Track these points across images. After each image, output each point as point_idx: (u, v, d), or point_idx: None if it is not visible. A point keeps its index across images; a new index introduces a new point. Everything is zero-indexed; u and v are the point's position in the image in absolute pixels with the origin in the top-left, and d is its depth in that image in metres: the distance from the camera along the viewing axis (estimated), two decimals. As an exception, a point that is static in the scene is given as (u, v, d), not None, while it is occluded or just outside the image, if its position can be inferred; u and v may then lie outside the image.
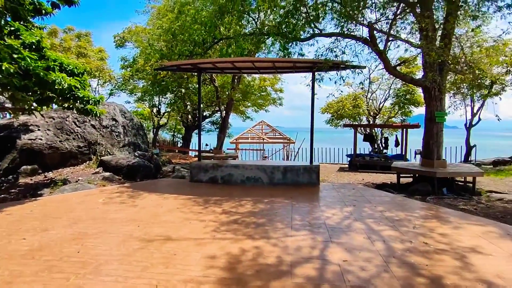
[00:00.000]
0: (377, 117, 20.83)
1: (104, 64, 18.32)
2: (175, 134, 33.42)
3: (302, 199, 5.88)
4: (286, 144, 27.41)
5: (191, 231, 4.11)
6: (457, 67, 8.92)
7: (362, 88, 7.06)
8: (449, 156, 16.97)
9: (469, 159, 17.23)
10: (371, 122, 20.50)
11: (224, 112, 15.16)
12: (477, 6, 6.32)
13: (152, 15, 13.81)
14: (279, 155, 25.32)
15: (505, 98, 16.41)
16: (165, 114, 27.53)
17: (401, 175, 9.41)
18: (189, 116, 24.13)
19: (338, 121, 21.30)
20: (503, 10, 5.65)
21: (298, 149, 22.78)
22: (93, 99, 7.19)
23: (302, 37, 8.66)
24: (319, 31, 8.38)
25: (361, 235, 3.97)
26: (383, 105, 20.97)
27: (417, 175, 9.00)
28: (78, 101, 6.94)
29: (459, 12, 7.00)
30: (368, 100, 20.63)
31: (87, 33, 21.38)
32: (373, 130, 20.58)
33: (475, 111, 17.25)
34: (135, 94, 22.01)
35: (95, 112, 7.06)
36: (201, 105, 20.16)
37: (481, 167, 15.86)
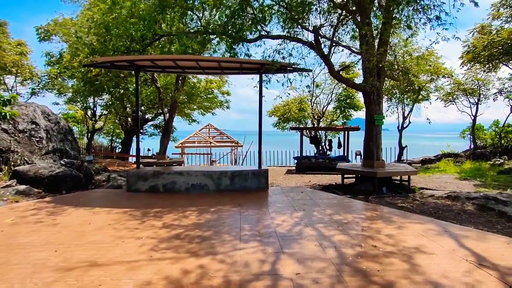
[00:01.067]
0: (321, 120, 21.78)
1: (25, 59, 15.91)
2: (113, 138, 30.83)
3: (251, 206, 5.59)
4: (234, 148, 27.15)
5: (124, 252, 3.50)
6: (393, 73, 9.58)
7: (309, 91, 6.97)
8: (383, 156, 18.40)
9: (402, 158, 18.90)
10: (316, 125, 21.35)
11: (168, 115, 14.27)
12: (409, 17, 6.76)
13: (84, 6, 12.38)
14: (227, 158, 24.91)
15: (430, 103, 18.43)
16: (102, 117, 25.18)
17: (345, 176, 9.76)
18: (129, 119, 22.39)
19: (285, 124, 21.74)
20: (433, 21, 6.10)
21: (246, 152, 22.67)
22: (1, 99, 6.02)
23: (249, 37, 8.47)
24: (266, 33, 8.26)
25: (313, 243, 3.79)
26: (326, 108, 22.00)
27: (359, 175, 9.40)
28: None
29: (394, 22, 7.44)
30: (312, 104, 21.44)
31: (1, 22, 18.48)
32: (318, 133, 21.47)
33: (405, 114, 19.04)
34: (64, 95, 19.66)
35: (2, 114, 5.90)
36: (143, 107, 18.83)
37: (412, 165, 17.53)
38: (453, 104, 18.54)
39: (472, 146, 17.53)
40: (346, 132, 15.62)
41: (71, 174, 7.31)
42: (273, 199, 6.23)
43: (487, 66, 13.03)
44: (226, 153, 25.26)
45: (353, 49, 9.67)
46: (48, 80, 17.44)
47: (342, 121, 21.79)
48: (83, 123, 27.49)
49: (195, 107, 21.40)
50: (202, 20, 8.24)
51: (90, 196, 6.55)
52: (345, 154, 15.66)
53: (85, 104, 21.24)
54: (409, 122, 19.08)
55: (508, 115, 16.62)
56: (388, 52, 9.24)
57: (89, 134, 26.80)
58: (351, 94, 19.64)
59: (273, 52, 6.84)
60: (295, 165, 16.47)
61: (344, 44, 8.92)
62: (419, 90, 13.34)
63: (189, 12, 8.08)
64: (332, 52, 8.40)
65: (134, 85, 18.64)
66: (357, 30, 8.80)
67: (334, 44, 7.98)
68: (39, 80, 16.74)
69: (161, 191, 6.79)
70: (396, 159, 19.00)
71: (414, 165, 17.54)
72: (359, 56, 9.88)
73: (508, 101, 15.60)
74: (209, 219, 4.75)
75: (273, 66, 6.35)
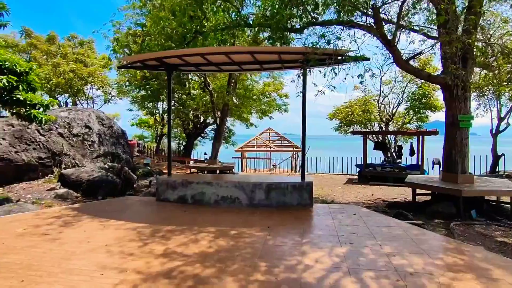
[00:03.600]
0: (390, 123, 19.06)
1: (107, 70, 17.45)
2: (180, 142, 32.38)
3: (282, 230, 4.41)
4: (294, 153, 25.94)
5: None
6: (487, 59, 7.30)
7: (361, 82, 5.43)
8: (471, 167, 15.03)
9: (497, 170, 15.21)
10: (384, 129, 18.76)
11: (219, 119, 13.86)
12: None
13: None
14: (287, 163, 23.71)
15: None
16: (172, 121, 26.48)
17: (417, 191, 7.79)
18: (190, 124, 22.98)
19: (348, 127, 19.65)
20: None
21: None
22: (40, 103, 6.02)
23: (296, 27, 7.30)
24: (314, 19, 6.98)
25: (353, 307, 2.48)
26: (396, 110, 19.20)
27: (437, 192, 7.36)
28: (18, 105, 5.79)
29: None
30: (380, 105, 18.93)
31: (89, 40, 20.84)
32: (386, 138, 18.82)
33: (502, 115, 15.31)
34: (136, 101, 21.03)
35: (40, 118, 5.87)
36: (199, 112, 18.95)
37: (511, 179, 13.89)
38: None
39: None
40: (420, 136, 13.07)
41: (107, 179, 7.15)
42: (314, 222, 4.93)
43: None
44: (286, 158, 24.13)
45: (426, 30, 7.68)
46: (118, 87, 18.85)
47: (416, 124, 18.73)
48: (153, 127, 29.45)
49: (253, 111, 20.89)
50: (241, 12, 7.39)
51: (117, 205, 6.17)
52: (420, 163, 13.10)
53: (150, 110, 22.45)
54: (508, 125, 15.29)
55: None
56: (479, 32, 7.06)
57: (158, 138, 28.60)
58: (427, 93, 16.65)
59: (318, 38, 5.54)
60: (357, 174, 14.51)
61: (413, 28, 7.03)
62: None
63: (228, 4, 7.28)
64: (398, 36, 6.67)
65: (192, 91, 19.01)
66: (434, 10, 6.89)
67: (401, 26, 6.27)
68: (110, 87, 18.17)
69: (189, 203, 6.07)
70: (489, 170, 15.38)
71: (516, 178, 13.87)
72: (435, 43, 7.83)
73: None
74: (222, 248, 3.75)
75: (318, 52, 5.04)
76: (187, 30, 7.23)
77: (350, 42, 5.32)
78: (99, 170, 7.64)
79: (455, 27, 6.75)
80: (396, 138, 19.48)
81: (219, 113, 14.38)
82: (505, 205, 6.92)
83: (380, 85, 18.84)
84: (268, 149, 25.59)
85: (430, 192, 7.71)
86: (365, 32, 5.95)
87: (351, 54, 5.45)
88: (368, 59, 5.96)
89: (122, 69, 13.36)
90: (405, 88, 18.09)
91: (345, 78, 5.04)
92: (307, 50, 4.87)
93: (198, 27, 7.54)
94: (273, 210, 5.59)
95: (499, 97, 14.33)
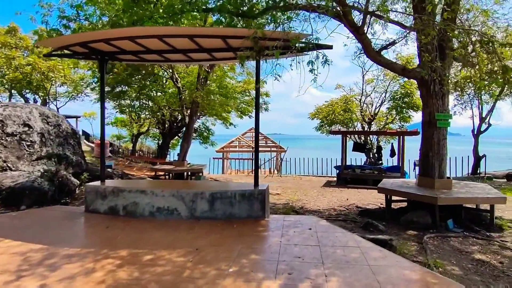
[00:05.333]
0: (373, 123, 18.46)
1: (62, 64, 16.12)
2: (159, 142, 31.10)
3: (211, 254, 3.52)
4: (278, 153, 25.19)
5: None
6: (466, 54, 6.57)
7: (311, 71, 4.55)
8: (453, 168, 14.48)
9: (478, 171, 14.74)
10: (366, 129, 18.14)
11: (188, 117, 12.87)
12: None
13: None
14: (271, 164, 22.82)
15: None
16: (146, 120, 25.10)
17: (393, 197, 7.04)
18: (166, 122, 21.80)
19: (329, 127, 18.97)
20: None
21: (281, 159, 20.54)
22: None
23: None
24: (273, 2, 6.12)
25: None
26: (379, 109, 18.63)
27: (412, 200, 6.61)
28: None
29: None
30: (362, 104, 18.31)
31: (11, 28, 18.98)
32: (369, 138, 18.21)
33: (483, 115, 14.86)
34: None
35: None
36: (169, 110, 17.79)
37: (493, 181, 13.37)
38: (557, 100, 13.82)
39: None
40: (401, 137, 12.43)
41: (32, 186, 6.10)
42: (257, 240, 4.06)
43: None
44: (268, 158, 23.25)
45: (402, 23, 6.92)
46: (83, 84, 17.56)
47: (399, 124, 18.19)
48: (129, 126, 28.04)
49: (232, 109, 19.92)
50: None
51: (33, 218, 5.14)
52: (400, 165, 12.45)
53: (128, 108, 21.03)
54: (489, 125, 14.85)
55: None
56: (458, 23, 6.33)
57: (133, 138, 27.24)
58: (409, 91, 16.10)
59: (268, 22, 4.67)
60: (336, 176, 13.80)
61: (383, 16, 6.25)
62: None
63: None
64: (368, 24, 5.87)
65: (162, 88, 17.71)
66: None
67: (369, 12, 5.47)
68: (73, 84, 16.90)
69: (121, 214, 5.11)
70: (470, 172, 14.90)
71: (497, 180, 13.36)
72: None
73: None
74: (117, 283, 2.83)
75: (255, 39, 4.13)
76: (136, 17, 6.23)
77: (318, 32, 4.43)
78: (28, 174, 6.59)
79: (433, 14, 6.02)
80: (379, 139, 18.95)
81: (187, 111, 13.37)
82: (484, 213, 6.21)
83: (363, 84, 18.22)
84: (251, 149, 24.75)
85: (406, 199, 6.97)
86: (331, 18, 5.10)
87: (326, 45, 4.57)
88: (331, 47, 5.13)
89: (83, 62, 12.21)
90: (387, 87, 17.53)
91: (291, 65, 4.17)
92: (252, 32, 3.99)
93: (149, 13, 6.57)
94: (217, 224, 4.69)
95: (480, 96, 13.83)
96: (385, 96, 17.54)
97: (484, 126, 14.99)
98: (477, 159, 14.86)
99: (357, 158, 16.33)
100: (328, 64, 4.05)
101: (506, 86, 13.04)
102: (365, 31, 5.90)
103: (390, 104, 16.98)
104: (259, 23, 4.11)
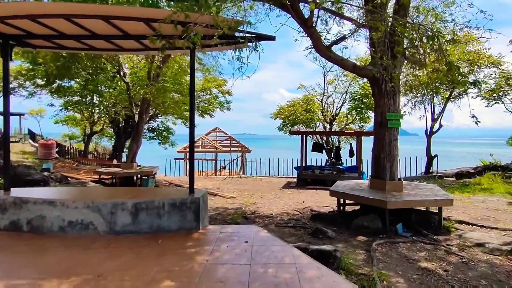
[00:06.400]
0: (334, 123, 18.57)
1: None
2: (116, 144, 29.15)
3: (113, 282, 2.86)
4: (243, 153, 24.68)
5: None
6: (416, 53, 6.44)
7: (238, 59, 4.05)
8: (408, 168, 14.88)
9: (430, 170, 15.28)
10: (328, 129, 18.19)
11: (137, 115, 11.87)
12: None
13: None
14: (235, 165, 22.15)
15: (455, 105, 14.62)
16: (100, 118, 23.21)
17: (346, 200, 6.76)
18: (121, 121, 20.27)
19: (292, 127, 18.79)
20: None
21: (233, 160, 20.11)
22: None
23: None
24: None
25: None
26: (340, 110, 18.78)
27: (363, 203, 6.36)
28: None
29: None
30: (324, 104, 18.34)
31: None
32: (330, 138, 18.28)
33: (435, 116, 15.42)
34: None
35: None
36: (120, 107, 16.49)
37: (444, 180, 13.88)
38: (498, 103, 14.63)
39: (528, 156, 13.60)
40: (359, 137, 12.43)
41: None
42: (180, 259, 3.43)
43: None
44: (234, 159, 22.60)
45: (355, 19, 6.66)
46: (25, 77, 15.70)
47: (359, 125, 18.48)
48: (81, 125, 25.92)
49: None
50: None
51: None
52: (359, 165, 12.46)
53: (81, 105, 19.19)
54: (440, 126, 15.45)
55: None
56: (410, 23, 6.17)
57: (86, 138, 25.22)
58: (368, 92, 16.34)
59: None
60: (296, 177, 13.55)
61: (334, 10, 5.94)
62: (464, 83, 9.63)
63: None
64: (317, 17, 5.51)
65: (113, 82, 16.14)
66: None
67: (317, 3, 5.07)
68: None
69: (25, 230, 4.22)
70: (423, 171, 15.41)
71: (447, 179, 13.89)
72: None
73: None
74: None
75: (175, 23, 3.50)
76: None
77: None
78: None
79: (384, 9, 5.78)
80: (339, 139, 19.12)
81: (136, 110, 12.33)
82: (433, 215, 6.11)
83: (324, 84, 18.26)
84: (214, 150, 23.97)
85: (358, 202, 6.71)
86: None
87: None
88: (273, 38, 4.65)
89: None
90: (348, 87, 17.71)
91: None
92: (171, 14, 3.34)
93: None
94: (139, 239, 3.99)
95: (432, 97, 14.30)
96: (345, 97, 17.71)
97: (436, 127, 15.57)
98: (430, 158, 15.39)
99: (318, 159, 16.26)
100: (257, 51, 3.53)
101: (455, 89, 13.60)
102: (314, 24, 5.52)
103: (350, 104, 17.16)
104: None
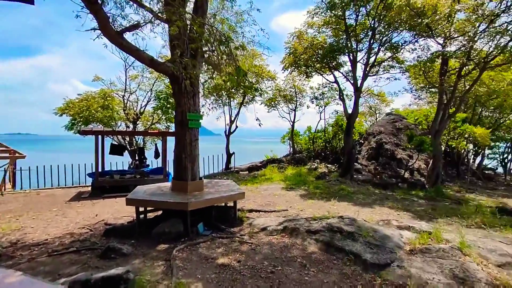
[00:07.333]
0: (139, 122, 17.26)
1: None
2: None
3: None
4: (13, 161, 18.29)
5: None
6: (213, 56, 6.68)
7: None
8: (211, 165, 16.14)
9: (229, 166, 17.29)
10: (131, 129, 16.65)
11: None
12: None
13: None
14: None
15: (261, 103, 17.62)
16: None
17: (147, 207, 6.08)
18: None
19: (85, 126, 15.80)
20: None
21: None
22: None
23: None
24: None
25: None
26: (145, 108, 17.70)
27: (164, 208, 5.94)
28: None
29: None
30: (126, 101, 16.63)
31: None
32: (134, 139, 16.84)
33: (232, 118, 17.60)
34: None
35: None
36: None
37: (240, 174, 16.04)
38: (275, 109, 18.66)
39: (292, 151, 18.04)
40: (164, 137, 12.03)
41: None
42: None
43: (305, 69, 12.83)
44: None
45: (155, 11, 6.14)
46: None
47: (165, 125, 18.14)
48: None
49: None
50: None
51: None
52: (165, 166, 12.04)
53: None
54: (236, 127, 17.80)
55: (318, 122, 18.09)
56: (206, 23, 6.30)
57: None
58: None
59: None
60: (91, 185, 11.38)
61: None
62: (250, 87, 11.42)
63: None
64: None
65: None
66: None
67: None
68: None
69: None
70: (224, 167, 17.22)
71: (242, 173, 16.17)
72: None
73: (319, 108, 16.77)
74: None
75: None
76: None
77: None
78: None
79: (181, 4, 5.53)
80: (145, 139, 18.07)
81: None
82: (230, 209, 6.58)
83: (126, 79, 16.58)
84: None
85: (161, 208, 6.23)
86: None
87: None
88: (32, 3, 3.31)
89: None
90: (153, 85, 16.92)
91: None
92: None
93: None
94: None
95: (229, 101, 16.19)
96: (150, 95, 16.86)
97: (233, 128, 17.76)
98: (229, 155, 17.38)
99: (120, 162, 14.56)
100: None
101: (246, 95, 16.00)
102: (100, 1, 4.50)
103: (156, 103, 16.50)
104: None
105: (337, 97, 14.65)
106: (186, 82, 6.02)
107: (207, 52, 6.67)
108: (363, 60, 12.20)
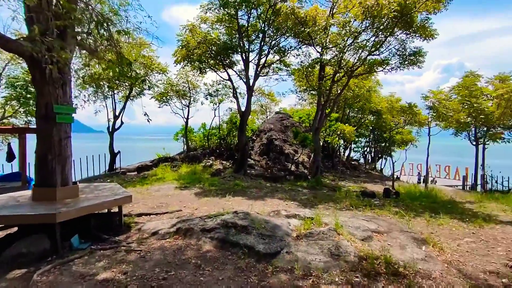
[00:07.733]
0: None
1: None
2: None
3: None
4: None
5: None
6: (90, 40, 5.65)
7: None
8: (91, 167, 14.00)
9: (114, 167, 15.44)
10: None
11: None
12: None
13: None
14: None
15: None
16: None
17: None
18: None
19: None
20: None
21: None
22: None
23: None
24: None
25: None
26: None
27: (21, 224, 4.73)
28: None
29: None
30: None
31: None
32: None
33: (117, 113, 15.74)
34: None
35: None
36: None
37: (127, 175, 14.51)
38: (167, 105, 17.66)
39: (186, 148, 17.51)
40: (22, 135, 9.64)
41: None
42: None
43: (198, 65, 12.57)
44: None
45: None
46: None
47: (25, 120, 14.72)
48: None
49: None
50: None
51: None
52: (24, 171, 9.66)
53: None
54: (122, 123, 16.03)
55: (213, 119, 18.13)
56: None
57: None
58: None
59: None
60: None
61: None
62: (140, 79, 10.23)
63: None
64: None
65: None
66: None
67: None
68: None
69: None
70: (107, 169, 15.25)
71: (130, 174, 14.66)
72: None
73: (213, 105, 16.79)
74: None
75: None
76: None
77: None
78: None
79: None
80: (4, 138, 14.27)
81: None
82: (115, 216, 5.79)
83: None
84: None
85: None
86: None
87: None
88: None
89: None
90: (3, 70, 13.44)
91: None
92: None
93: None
94: None
95: (113, 94, 14.42)
96: (0, 82, 13.36)
97: (118, 124, 15.90)
98: (113, 155, 15.49)
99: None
100: None
101: (134, 87, 14.52)
102: None
103: (9, 92, 13.18)
104: None
105: (231, 94, 14.99)
106: (53, 68, 4.93)
107: (81, 34, 5.64)
108: (255, 60, 12.85)
